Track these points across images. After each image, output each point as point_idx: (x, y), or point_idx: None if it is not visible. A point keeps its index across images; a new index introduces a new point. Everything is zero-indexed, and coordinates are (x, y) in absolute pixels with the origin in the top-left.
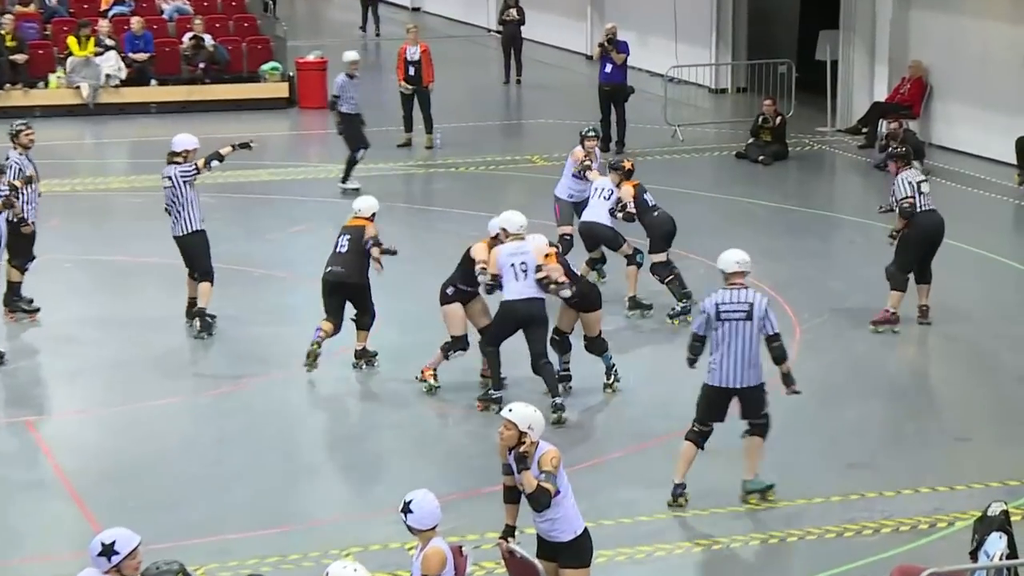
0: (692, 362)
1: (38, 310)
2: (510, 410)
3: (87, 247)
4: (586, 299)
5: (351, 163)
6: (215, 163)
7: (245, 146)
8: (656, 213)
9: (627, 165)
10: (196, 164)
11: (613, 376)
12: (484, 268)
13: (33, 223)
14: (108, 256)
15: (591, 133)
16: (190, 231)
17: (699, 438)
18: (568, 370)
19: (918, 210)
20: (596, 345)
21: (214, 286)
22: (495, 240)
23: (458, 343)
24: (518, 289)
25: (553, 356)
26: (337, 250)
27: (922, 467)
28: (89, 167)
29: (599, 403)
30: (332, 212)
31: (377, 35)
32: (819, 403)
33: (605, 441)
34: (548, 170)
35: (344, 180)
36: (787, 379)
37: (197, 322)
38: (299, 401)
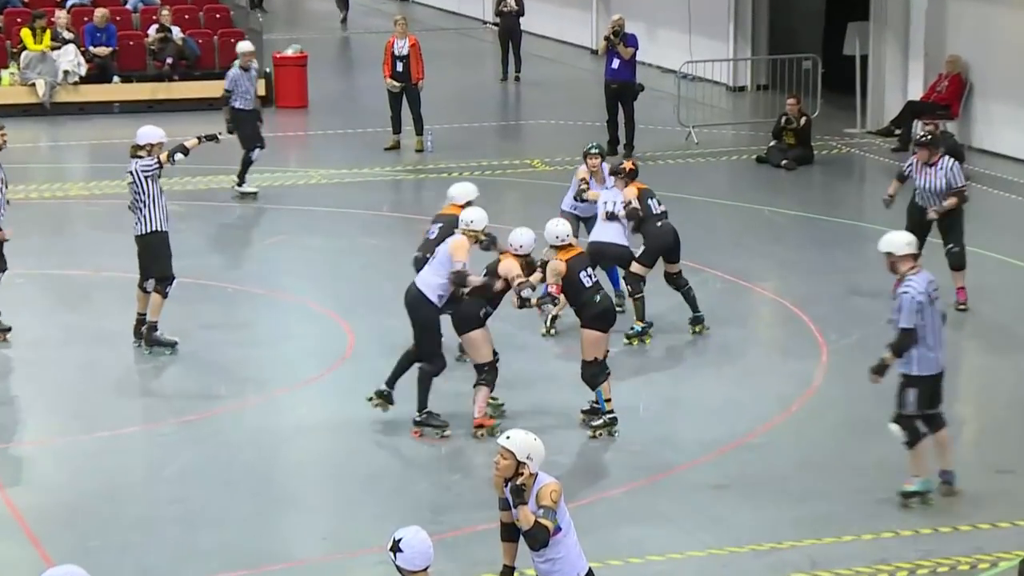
0: (895, 359)
1: (8, 329)
2: (507, 437)
3: (42, 260)
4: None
5: (246, 164)
6: (180, 156)
7: (212, 138)
8: (660, 223)
9: (628, 166)
10: (159, 158)
11: (600, 420)
12: (524, 281)
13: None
14: (65, 270)
15: (594, 150)
16: (150, 230)
17: (919, 431)
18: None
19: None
20: (586, 371)
21: (167, 299)
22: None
23: (493, 369)
24: None
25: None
26: (427, 236)
27: (961, 502)
28: (45, 172)
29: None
30: (312, 221)
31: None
32: (848, 432)
33: (611, 474)
34: (549, 176)
35: (239, 183)
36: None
37: (143, 341)
38: (275, 430)
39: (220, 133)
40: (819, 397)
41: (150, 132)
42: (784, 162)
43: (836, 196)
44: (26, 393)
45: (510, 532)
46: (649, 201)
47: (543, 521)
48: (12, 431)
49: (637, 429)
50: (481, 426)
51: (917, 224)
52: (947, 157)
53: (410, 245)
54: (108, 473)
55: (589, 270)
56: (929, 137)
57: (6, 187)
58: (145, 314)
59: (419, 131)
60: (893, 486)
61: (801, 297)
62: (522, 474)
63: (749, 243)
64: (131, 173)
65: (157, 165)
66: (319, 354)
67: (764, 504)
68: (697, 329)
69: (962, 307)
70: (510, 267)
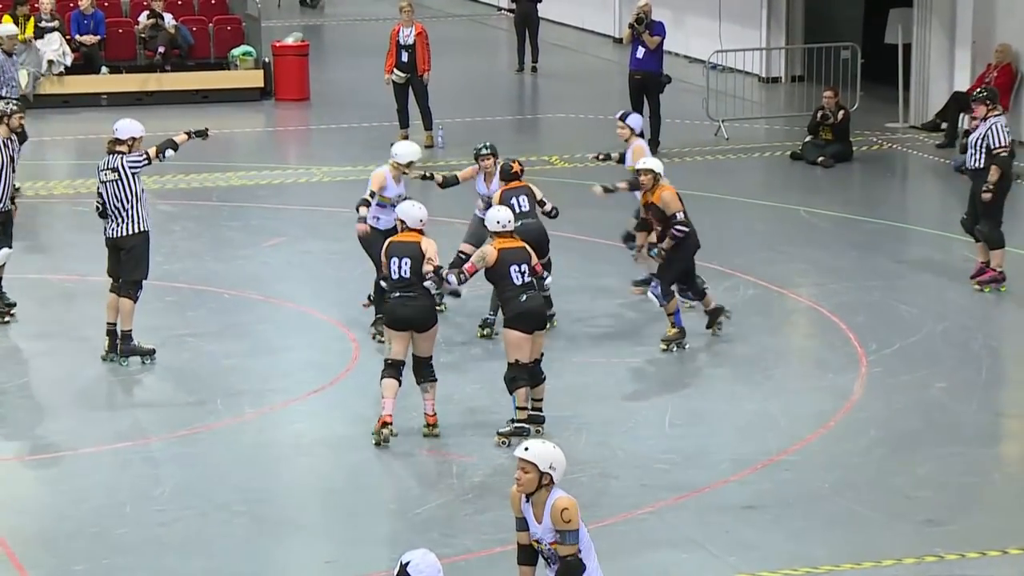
0: None
1: (13, 304)
2: (526, 449)
3: (22, 265)
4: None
5: None
6: (169, 152)
7: (201, 134)
8: (521, 223)
9: (515, 168)
10: (147, 153)
11: (508, 428)
12: (436, 266)
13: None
14: (47, 275)
15: (484, 151)
16: (138, 230)
17: None
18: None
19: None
20: (507, 373)
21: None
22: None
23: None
24: None
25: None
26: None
27: (1009, 524)
28: (26, 170)
29: (624, 449)
30: (313, 222)
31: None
32: (890, 450)
33: (634, 493)
34: (569, 173)
35: None
36: None
37: (111, 342)
38: (274, 446)
39: (208, 129)
40: (857, 412)
41: (131, 126)
42: (821, 159)
43: (877, 195)
44: (5, 408)
45: (527, 555)
46: (514, 200)
47: (568, 549)
48: None
49: (663, 445)
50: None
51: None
52: (999, 115)
53: None
54: (94, 493)
55: (526, 268)
56: (986, 92)
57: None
58: (116, 323)
59: (428, 126)
60: (937, 508)
61: (839, 304)
62: (545, 485)
63: (783, 246)
64: (115, 170)
65: (145, 160)
66: (320, 365)
67: (798, 527)
68: (484, 333)
69: (980, 287)
70: (430, 245)
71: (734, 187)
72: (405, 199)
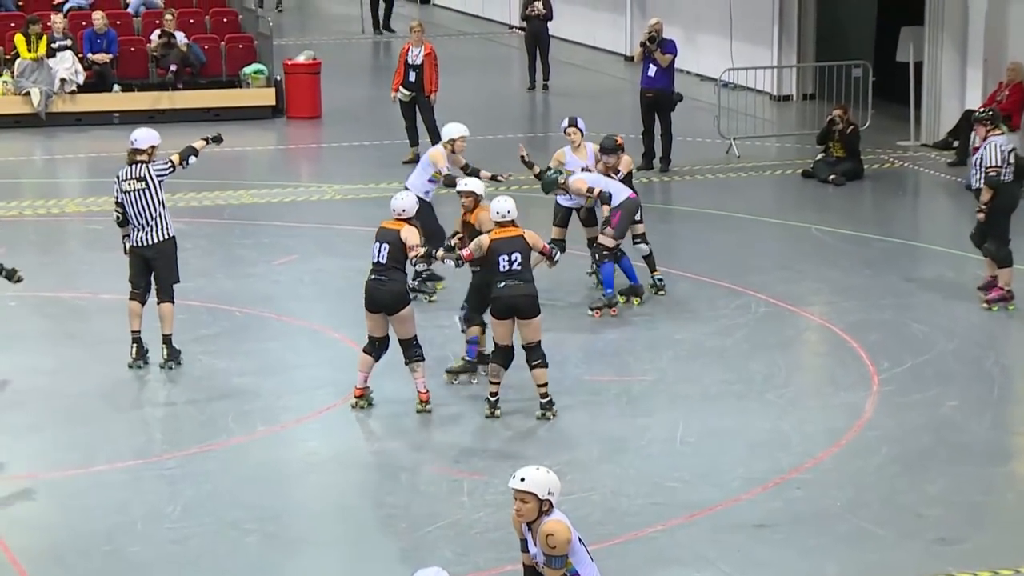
0: None
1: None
2: (522, 480)
3: (35, 282)
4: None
5: None
6: (192, 159)
7: (217, 139)
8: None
9: (619, 141)
10: (171, 160)
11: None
12: (420, 252)
13: None
14: (60, 292)
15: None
16: (168, 236)
17: None
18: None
19: (1002, 179)
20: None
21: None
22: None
23: (418, 345)
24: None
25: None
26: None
27: (1022, 543)
28: (39, 187)
29: (636, 467)
30: (325, 240)
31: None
32: (902, 468)
33: (644, 511)
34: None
35: None
36: None
37: (165, 350)
38: (285, 464)
39: (222, 134)
40: (869, 430)
41: (149, 134)
42: (832, 177)
43: (888, 213)
44: (18, 424)
45: None
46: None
47: (553, 574)
48: (3, 465)
49: (674, 463)
50: (428, 402)
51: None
52: (999, 135)
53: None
54: (106, 510)
55: (515, 256)
56: (989, 112)
57: None
58: (139, 332)
59: (436, 143)
60: (950, 527)
61: (851, 323)
62: (546, 511)
63: (794, 264)
64: (141, 178)
65: (170, 168)
66: (332, 382)
67: (810, 545)
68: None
69: (987, 305)
70: (411, 234)
71: (745, 205)
72: (405, 188)
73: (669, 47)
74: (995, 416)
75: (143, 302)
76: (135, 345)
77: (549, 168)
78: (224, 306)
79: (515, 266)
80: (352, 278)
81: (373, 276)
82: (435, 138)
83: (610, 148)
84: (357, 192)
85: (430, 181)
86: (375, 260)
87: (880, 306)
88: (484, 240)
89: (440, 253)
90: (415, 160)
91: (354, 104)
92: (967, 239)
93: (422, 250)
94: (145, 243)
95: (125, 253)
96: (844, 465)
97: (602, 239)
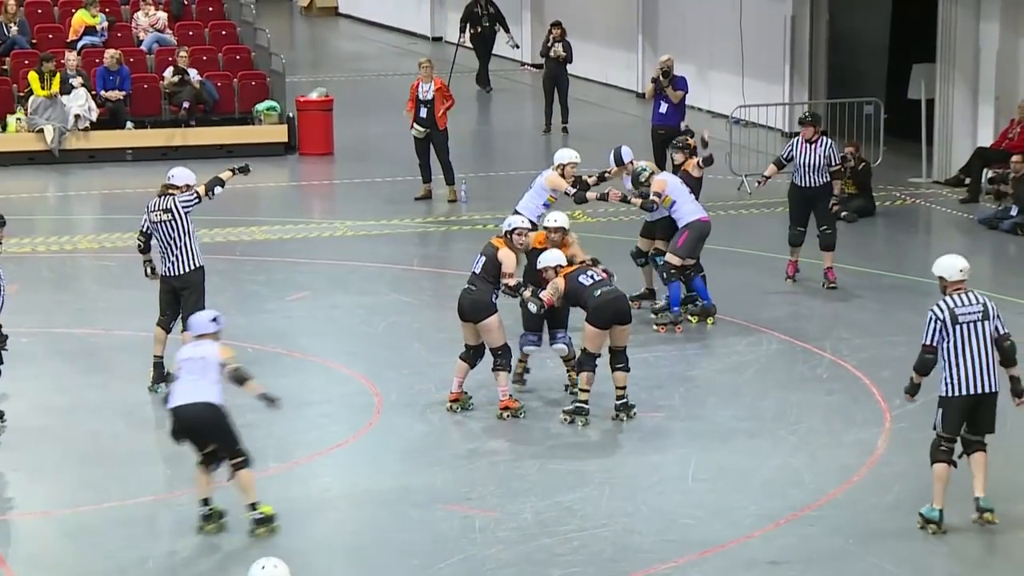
0: (921, 377)
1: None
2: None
3: (49, 318)
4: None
5: None
6: (218, 189)
7: (244, 170)
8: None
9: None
10: (197, 191)
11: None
12: (513, 284)
13: None
14: (73, 329)
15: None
16: (195, 266)
17: (949, 455)
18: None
19: None
20: (580, 356)
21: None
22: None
23: (507, 352)
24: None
25: None
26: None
27: None
28: (52, 224)
29: (648, 504)
30: (337, 277)
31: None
32: (914, 505)
33: (657, 548)
34: (593, 228)
35: None
36: (1018, 385)
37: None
38: (298, 501)
39: (248, 164)
40: (882, 467)
41: (185, 173)
42: (844, 213)
43: (900, 250)
44: (30, 461)
45: None
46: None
47: None
48: (15, 502)
49: (686, 499)
50: (507, 408)
51: (798, 204)
52: (825, 136)
53: (441, 301)
54: (117, 548)
55: (591, 272)
56: (810, 116)
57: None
58: (162, 356)
59: (450, 180)
60: (961, 564)
61: (863, 359)
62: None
63: (806, 301)
64: (169, 210)
65: (196, 199)
66: (345, 419)
67: None
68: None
69: (832, 286)
70: (507, 258)
71: (757, 242)
72: (515, 212)
73: (681, 84)
74: (1007, 453)
75: (168, 330)
76: (156, 369)
77: (644, 168)
78: (236, 342)
79: (596, 277)
80: (363, 316)
81: (466, 285)
82: (449, 175)
83: (682, 147)
84: (369, 228)
85: (544, 205)
86: (473, 270)
87: (892, 343)
88: (560, 283)
89: (527, 295)
90: (427, 196)
91: (366, 141)
92: (979, 276)
93: (513, 282)
94: (173, 273)
95: (146, 276)
96: (857, 502)
97: (669, 257)
